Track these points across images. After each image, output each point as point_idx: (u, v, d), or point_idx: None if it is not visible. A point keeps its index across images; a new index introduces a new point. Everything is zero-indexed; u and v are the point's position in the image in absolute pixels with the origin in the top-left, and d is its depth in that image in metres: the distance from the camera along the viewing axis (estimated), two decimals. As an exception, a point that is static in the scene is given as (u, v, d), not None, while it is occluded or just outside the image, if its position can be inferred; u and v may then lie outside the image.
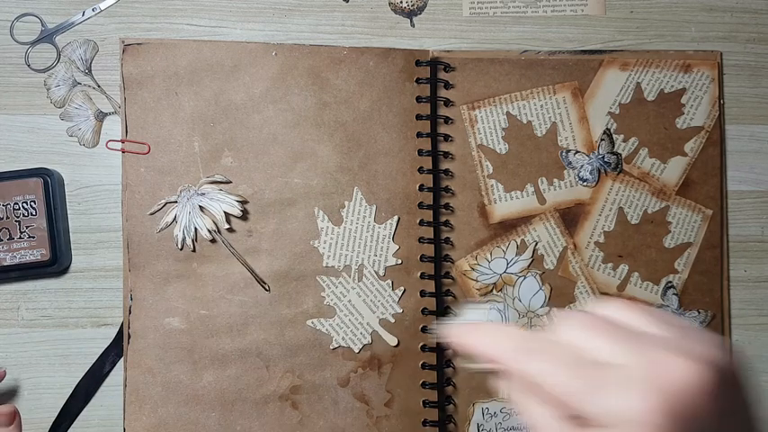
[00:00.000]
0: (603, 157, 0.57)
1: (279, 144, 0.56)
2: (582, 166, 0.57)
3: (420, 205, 0.56)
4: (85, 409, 0.55)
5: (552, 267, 0.57)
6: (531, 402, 0.28)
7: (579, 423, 0.25)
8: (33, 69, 0.56)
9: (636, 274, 0.57)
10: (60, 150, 0.56)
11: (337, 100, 0.56)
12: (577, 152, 0.57)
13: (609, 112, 0.58)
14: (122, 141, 0.55)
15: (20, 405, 0.55)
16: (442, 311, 0.56)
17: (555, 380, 0.25)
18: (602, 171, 0.57)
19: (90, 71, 0.57)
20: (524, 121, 0.58)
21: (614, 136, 0.58)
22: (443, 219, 0.57)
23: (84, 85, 0.57)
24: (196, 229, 0.55)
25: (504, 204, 0.57)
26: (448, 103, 0.57)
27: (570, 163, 0.57)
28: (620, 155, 0.58)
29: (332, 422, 0.55)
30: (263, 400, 0.55)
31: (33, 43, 0.56)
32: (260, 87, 0.56)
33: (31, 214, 0.53)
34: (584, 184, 0.57)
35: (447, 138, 0.57)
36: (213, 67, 0.56)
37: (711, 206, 0.58)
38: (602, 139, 0.57)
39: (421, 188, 0.56)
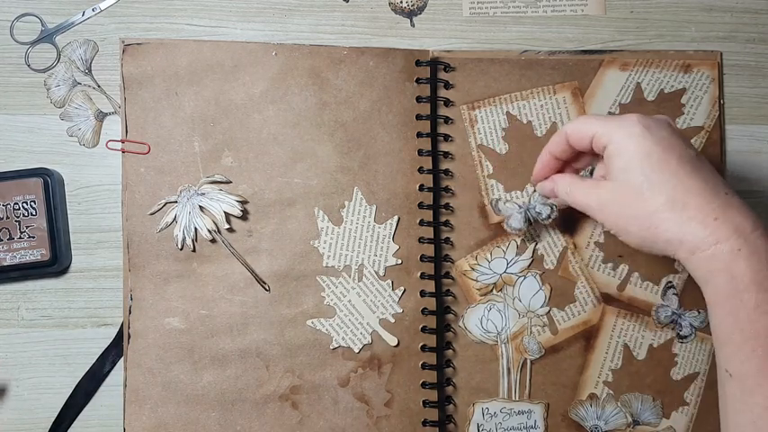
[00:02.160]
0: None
1: (279, 144, 0.56)
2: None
3: (420, 205, 0.56)
4: (85, 409, 0.55)
5: (552, 267, 0.57)
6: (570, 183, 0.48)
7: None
8: (33, 69, 0.56)
9: (636, 274, 0.57)
10: (60, 150, 0.56)
11: (337, 100, 0.56)
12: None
13: (609, 113, 0.58)
14: (122, 141, 0.55)
15: (20, 405, 0.55)
16: (442, 311, 0.56)
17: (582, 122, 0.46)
18: None
19: (90, 71, 0.57)
20: (524, 121, 0.58)
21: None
22: (443, 219, 0.57)
23: (84, 85, 0.57)
24: (196, 229, 0.55)
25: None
26: (448, 103, 0.57)
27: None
28: None
29: (332, 422, 0.55)
30: (263, 400, 0.55)
31: (33, 43, 0.56)
32: (260, 87, 0.56)
33: (31, 214, 0.53)
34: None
35: (447, 138, 0.57)
36: (213, 67, 0.56)
37: (711, 206, 0.58)
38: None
39: (421, 188, 0.56)
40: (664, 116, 0.46)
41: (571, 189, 0.47)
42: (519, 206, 0.56)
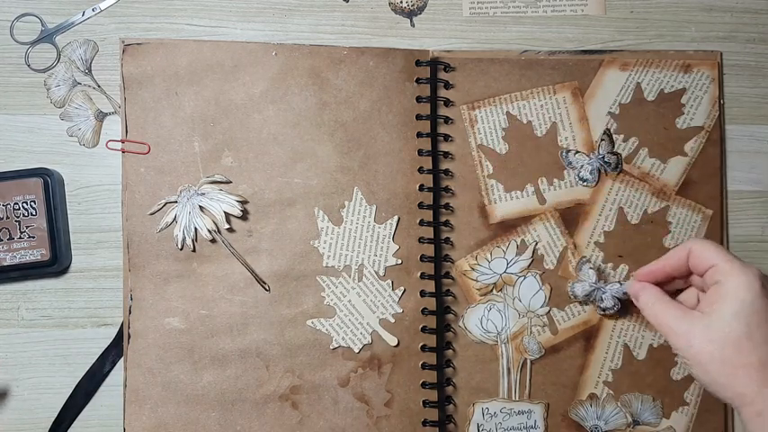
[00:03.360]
0: (603, 157, 0.57)
1: (279, 144, 0.56)
2: (582, 166, 0.57)
3: (420, 205, 0.56)
4: (85, 409, 0.55)
5: (552, 267, 0.57)
6: (666, 305, 0.46)
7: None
8: (33, 69, 0.56)
9: (636, 274, 0.57)
10: (60, 150, 0.56)
11: (337, 100, 0.56)
12: (577, 152, 0.57)
13: (609, 112, 0.58)
14: (122, 141, 0.55)
15: (20, 405, 0.55)
16: (442, 311, 0.56)
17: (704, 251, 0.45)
18: (603, 171, 0.57)
19: (90, 71, 0.57)
20: (524, 121, 0.58)
21: (614, 136, 0.58)
22: (443, 219, 0.57)
23: (84, 85, 0.57)
24: (196, 229, 0.55)
25: (504, 204, 0.57)
26: (448, 103, 0.57)
27: (570, 163, 0.57)
28: (620, 155, 0.58)
29: (332, 422, 0.55)
30: (263, 400, 0.55)
31: (33, 43, 0.56)
32: (260, 87, 0.56)
33: (31, 214, 0.53)
34: (585, 184, 0.57)
35: (447, 138, 0.57)
36: (213, 67, 0.56)
37: (711, 206, 0.58)
38: (602, 140, 0.57)
39: (421, 188, 0.56)
40: None
41: (657, 306, 0.47)
42: (594, 281, 0.55)
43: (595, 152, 0.57)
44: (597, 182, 0.57)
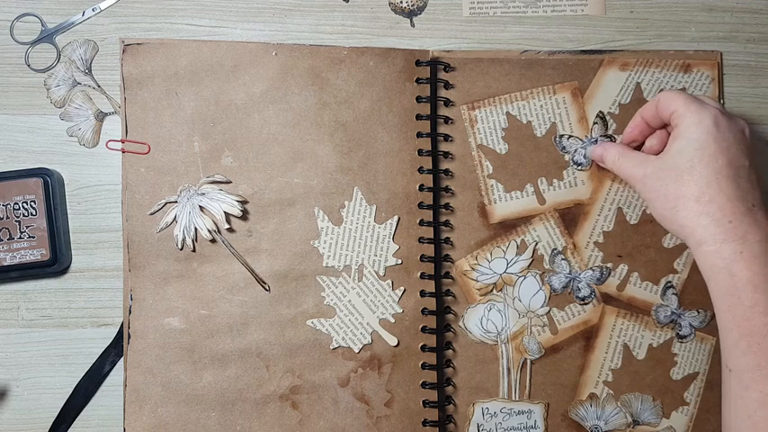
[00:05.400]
0: (596, 141, 0.57)
1: (279, 144, 0.56)
2: (576, 150, 0.57)
3: (420, 205, 0.56)
4: (85, 409, 0.55)
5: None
6: (628, 154, 0.50)
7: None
8: (33, 69, 0.56)
9: (635, 274, 0.57)
10: (60, 150, 0.56)
11: (337, 100, 0.56)
12: (570, 137, 0.57)
13: (609, 112, 0.58)
14: (122, 141, 0.55)
15: (20, 405, 0.55)
16: (442, 311, 0.56)
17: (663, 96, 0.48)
18: None
19: (90, 71, 0.57)
20: (524, 121, 0.58)
21: (614, 136, 0.58)
22: (443, 219, 0.57)
23: (84, 85, 0.57)
24: (196, 229, 0.55)
25: (504, 204, 0.57)
26: (448, 103, 0.57)
27: (564, 147, 0.57)
28: (614, 137, 0.57)
29: (332, 422, 0.55)
30: (263, 400, 0.55)
31: (33, 43, 0.56)
32: (260, 87, 0.56)
33: (31, 214, 0.53)
34: (579, 168, 0.57)
35: (447, 138, 0.57)
36: (213, 67, 0.56)
37: (711, 206, 0.58)
38: (594, 123, 0.57)
39: (421, 188, 0.56)
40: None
41: (620, 159, 0.50)
42: (568, 272, 0.57)
43: (588, 136, 0.57)
44: (591, 165, 0.57)
